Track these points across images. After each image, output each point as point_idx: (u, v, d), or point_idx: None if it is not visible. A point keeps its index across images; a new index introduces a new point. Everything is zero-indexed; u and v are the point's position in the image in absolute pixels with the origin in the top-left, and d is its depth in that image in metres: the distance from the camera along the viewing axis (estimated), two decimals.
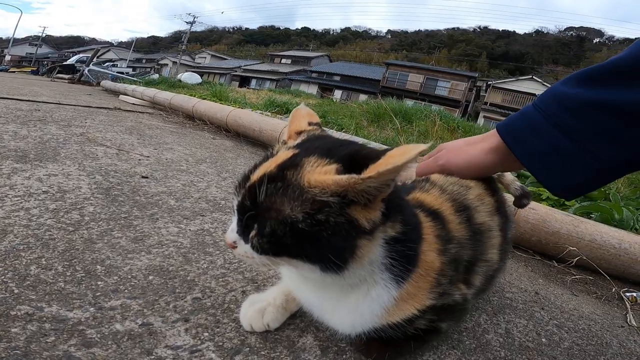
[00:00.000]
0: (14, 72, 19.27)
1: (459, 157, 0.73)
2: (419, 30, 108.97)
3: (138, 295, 0.64)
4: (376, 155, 0.43)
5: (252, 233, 0.46)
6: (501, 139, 0.66)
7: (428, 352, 0.65)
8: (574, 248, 1.32)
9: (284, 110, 4.62)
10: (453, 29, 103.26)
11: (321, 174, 0.44)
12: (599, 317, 0.98)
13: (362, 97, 18.03)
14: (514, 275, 1.16)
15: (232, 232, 0.49)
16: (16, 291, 0.58)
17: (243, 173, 0.50)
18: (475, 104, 29.66)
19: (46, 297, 0.58)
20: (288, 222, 0.43)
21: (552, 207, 1.57)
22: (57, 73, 11.68)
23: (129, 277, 0.69)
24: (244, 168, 0.52)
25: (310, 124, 0.57)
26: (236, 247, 0.49)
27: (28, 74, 15.90)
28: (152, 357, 0.51)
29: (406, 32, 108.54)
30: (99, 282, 0.65)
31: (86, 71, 9.65)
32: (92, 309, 0.58)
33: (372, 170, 0.41)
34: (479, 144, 0.71)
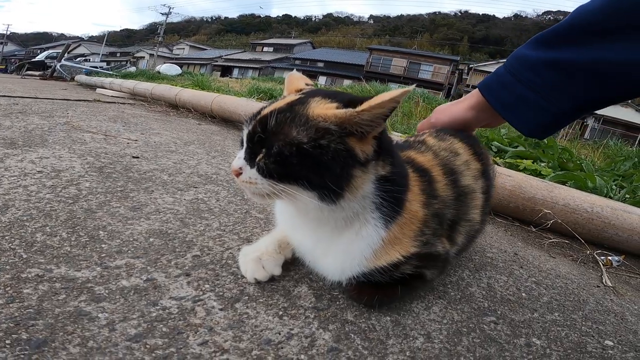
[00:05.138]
0: None
1: (444, 115, 0.88)
2: (401, 15, 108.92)
3: (141, 255, 0.68)
4: (369, 98, 0.51)
5: (260, 156, 0.53)
6: (481, 97, 0.79)
7: (416, 301, 0.70)
8: (549, 211, 1.39)
9: (268, 96, 4.63)
10: (434, 13, 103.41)
11: (324, 109, 0.52)
12: (575, 277, 1.02)
13: (347, 82, 17.98)
14: (494, 238, 1.23)
15: (238, 159, 0.55)
16: (25, 256, 0.61)
17: (252, 112, 0.56)
18: (458, 87, 29.89)
19: (54, 260, 0.62)
20: (295, 142, 0.50)
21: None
22: (26, 70, 11.28)
23: (131, 239, 0.73)
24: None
25: (306, 84, 0.66)
26: (241, 173, 0.54)
27: None
28: (158, 307, 0.55)
29: (388, 17, 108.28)
30: (103, 245, 0.69)
31: (58, 67, 9.38)
32: (98, 268, 0.62)
33: (365, 105, 0.49)
34: (462, 103, 0.85)
